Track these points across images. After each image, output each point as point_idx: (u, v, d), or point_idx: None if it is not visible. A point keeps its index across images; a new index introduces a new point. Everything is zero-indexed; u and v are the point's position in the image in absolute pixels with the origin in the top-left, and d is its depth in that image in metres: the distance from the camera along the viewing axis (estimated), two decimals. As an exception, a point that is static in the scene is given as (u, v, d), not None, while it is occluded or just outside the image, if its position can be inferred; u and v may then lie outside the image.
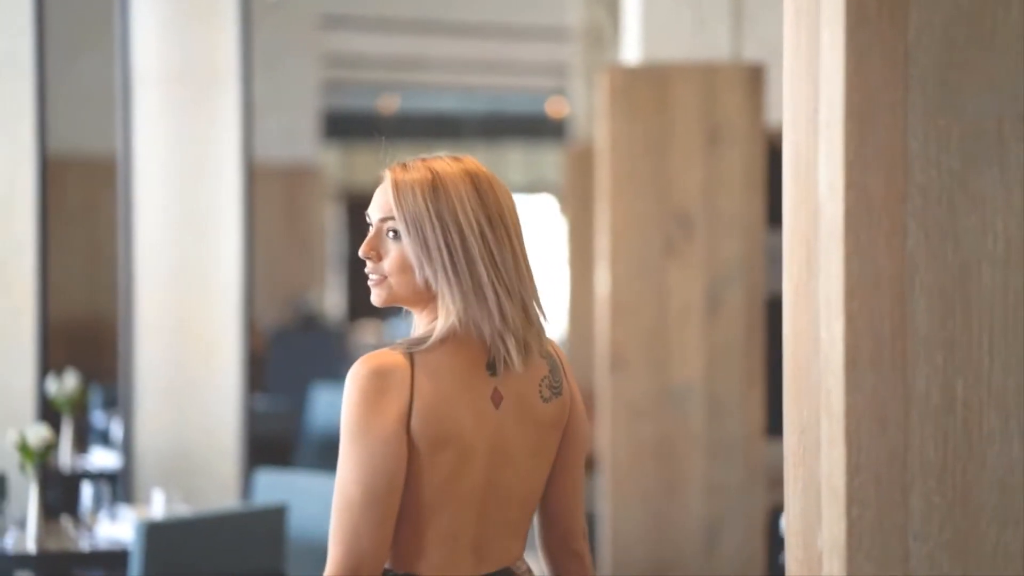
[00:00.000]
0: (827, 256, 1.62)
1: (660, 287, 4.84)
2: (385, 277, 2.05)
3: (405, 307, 2.10)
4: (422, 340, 2.02)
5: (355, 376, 1.97)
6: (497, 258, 2.03)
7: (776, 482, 5.34)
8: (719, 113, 4.82)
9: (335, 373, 9.70)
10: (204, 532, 3.85)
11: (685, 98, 4.83)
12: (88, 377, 6.79)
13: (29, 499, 4.08)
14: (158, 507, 4.26)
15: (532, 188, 14.95)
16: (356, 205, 15.69)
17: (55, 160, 9.33)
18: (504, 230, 2.06)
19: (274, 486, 4.52)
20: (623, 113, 4.86)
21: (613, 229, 4.86)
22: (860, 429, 1.57)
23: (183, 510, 4.30)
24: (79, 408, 5.54)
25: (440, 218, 2.00)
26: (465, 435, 2.01)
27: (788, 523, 1.82)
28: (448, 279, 2.00)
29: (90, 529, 4.14)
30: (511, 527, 2.09)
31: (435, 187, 2.01)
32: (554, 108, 13.30)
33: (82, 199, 8.89)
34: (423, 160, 2.06)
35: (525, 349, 2.04)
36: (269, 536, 3.99)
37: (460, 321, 2.00)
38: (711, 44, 5.03)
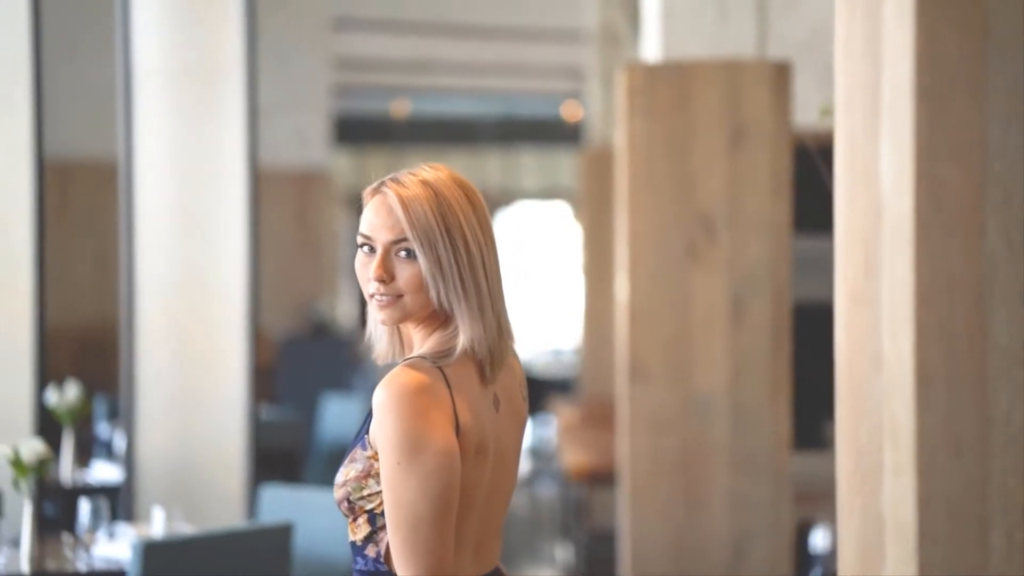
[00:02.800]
0: (892, 259, 1.43)
1: (682, 293, 4.67)
2: (400, 296, 2.05)
3: (402, 325, 2.13)
4: (446, 354, 2.05)
5: (400, 395, 1.98)
6: (491, 268, 2.08)
7: (804, 496, 5.18)
8: (743, 112, 4.64)
9: (346, 383, 9.54)
10: (205, 552, 3.66)
11: (707, 96, 4.65)
12: (95, 387, 6.63)
13: (23, 516, 3.90)
14: (158, 525, 4.07)
15: (547, 194, 14.79)
16: (368, 211, 15.46)
17: (61, 165, 9.20)
18: (491, 239, 2.10)
19: (280, 502, 4.35)
20: (643, 112, 4.68)
21: (632, 233, 4.68)
22: (932, 455, 1.37)
23: (184, 528, 4.12)
24: (81, 419, 5.38)
25: (449, 234, 2.03)
26: (488, 441, 2.08)
27: (842, 558, 1.63)
28: (458, 294, 2.04)
29: (87, 548, 3.96)
30: (498, 527, 2.16)
31: (439, 203, 2.04)
32: (569, 112, 13.15)
33: (90, 204, 8.74)
34: (411, 174, 2.08)
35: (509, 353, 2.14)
36: (274, 556, 3.81)
37: (477, 336, 2.04)
38: (735, 40, 4.85)
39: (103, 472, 5.26)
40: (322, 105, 10.66)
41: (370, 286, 2.07)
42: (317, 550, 4.26)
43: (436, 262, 2.02)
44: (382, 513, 2.04)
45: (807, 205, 5.20)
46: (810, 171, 5.09)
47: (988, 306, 1.39)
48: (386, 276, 2.05)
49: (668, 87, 4.67)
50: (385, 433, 1.97)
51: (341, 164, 13.55)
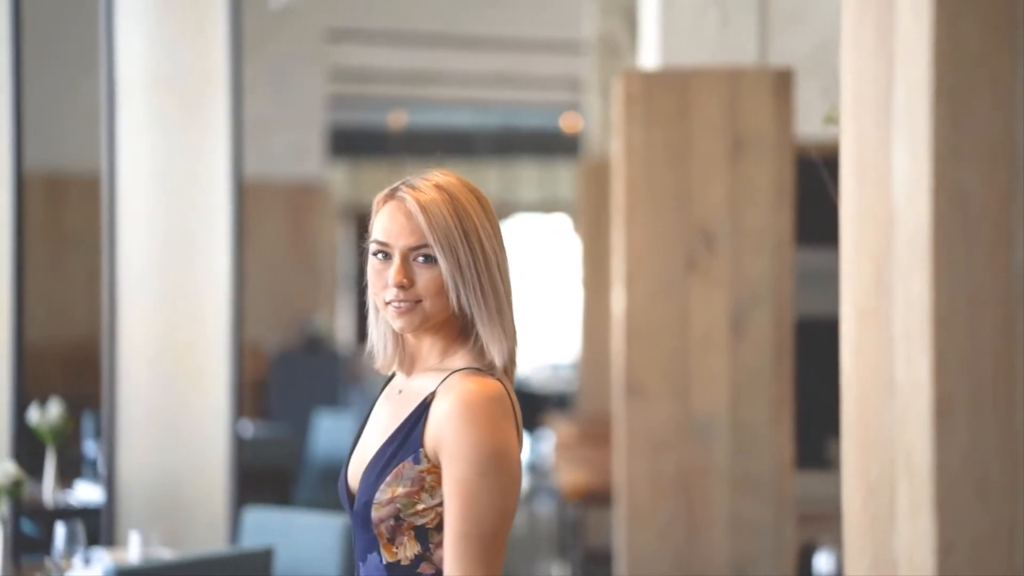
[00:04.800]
0: (906, 274, 1.28)
1: (681, 308, 4.53)
2: (419, 302, 2.03)
3: (413, 333, 2.09)
4: (491, 366, 2.04)
5: (482, 404, 1.97)
6: (505, 271, 2.08)
7: (807, 518, 5.03)
8: (744, 121, 4.51)
9: (340, 399, 9.40)
10: (182, 579, 3.51)
11: (707, 105, 4.52)
12: (85, 404, 6.50)
13: (-2, 540, 3.76)
14: (134, 550, 3.92)
15: (546, 207, 14.67)
16: (365, 224, 15.36)
17: (55, 179, 9.09)
18: (503, 242, 2.09)
19: (264, 525, 4.20)
20: (640, 121, 4.55)
21: (630, 246, 4.54)
22: (953, 494, 1.22)
23: (162, 553, 3.97)
24: (65, 438, 5.24)
25: (467, 237, 2.02)
26: None
27: (851, 604, 1.48)
28: (477, 297, 2.03)
29: (62, 574, 3.81)
30: None
31: (455, 206, 2.03)
32: (568, 123, 13.03)
33: (83, 219, 8.62)
34: (423, 179, 2.06)
35: None
36: (255, 582, 3.65)
37: (498, 343, 2.03)
38: (735, 47, 4.72)
39: (86, 492, 5.12)
40: (318, 117, 10.54)
41: (387, 293, 2.04)
42: (301, 573, 4.11)
43: (456, 265, 2.01)
44: (436, 528, 2.00)
45: (809, 217, 5.07)
46: (812, 181, 4.96)
47: (1015, 326, 1.25)
48: (406, 282, 2.02)
49: (666, 95, 4.54)
50: (465, 443, 1.94)
51: (337, 177, 13.43)
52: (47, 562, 3.95)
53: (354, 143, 13.38)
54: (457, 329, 2.07)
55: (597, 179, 8.48)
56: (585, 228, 8.84)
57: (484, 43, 11.09)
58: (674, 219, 4.54)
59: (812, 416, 5.46)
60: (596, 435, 7.16)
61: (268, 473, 6.47)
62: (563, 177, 14.29)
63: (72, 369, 8.58)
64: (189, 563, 3.60)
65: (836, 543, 4.34)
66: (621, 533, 4.64)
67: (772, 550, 4.52)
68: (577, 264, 9.27)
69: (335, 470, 7.05)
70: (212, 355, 4.89)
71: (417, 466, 2.00)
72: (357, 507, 2.05)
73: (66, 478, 5.26)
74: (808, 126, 4.83)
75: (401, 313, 2.03)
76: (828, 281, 5.92)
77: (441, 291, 2.02)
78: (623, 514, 4.58)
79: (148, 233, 4.90)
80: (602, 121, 9.09)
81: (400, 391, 2.12)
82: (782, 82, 4.53)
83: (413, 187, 2.05)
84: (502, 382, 2.02)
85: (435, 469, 1.99)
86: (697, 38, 4.79)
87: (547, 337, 14.03)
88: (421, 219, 2.02)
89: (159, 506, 4.82)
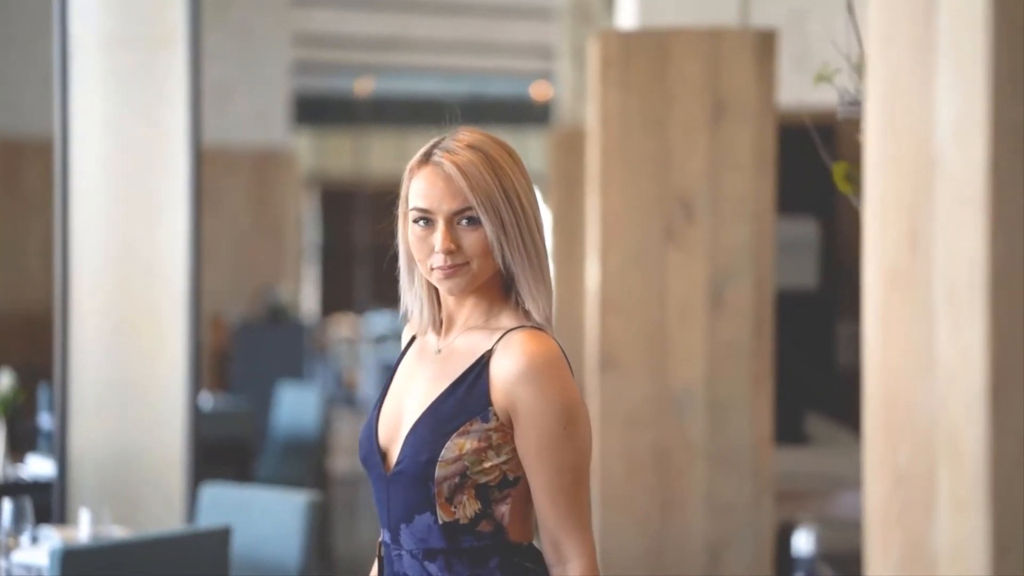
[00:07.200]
0: (951, 229, 1.11)
1: (658, 280, 4.38)
2: (467, 262, 2.05)
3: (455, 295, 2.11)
4: (541, 326, 2.07)
5: (552, 360, 2.02)
6: (542, 226, 2.10)
7: (786, 496, 4.89)
8: (725, 84, 4.35)
9: (305, 371, 9.21)
10: (132, 559, 3.32)
11: (686, 67, 4.35)
12: (41, 375, 6.29)
13: (-61, 515, 3.56)
14: (84, 529, 3.72)
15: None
16: (330, 193, 15.22)
17: (10, 143, 8.83)
18: (536, 197, 2.11)
19: (222, 502, 4.02)
20: (616, 85, 4.38)
21: (605, 215, 4.38)
22: (1011, 487, 1.05)
23: (114, 532, 3.78)
24: (17, 410, 5.07)
25: (507, 195, 2.04)
26: None
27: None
28: (521, 254, 2.06)
29: (7, 553, 3.61)
30: None
31: (492, 165, 2.04)
32: (539, 92, 12.87)
33: (39, 184, 8.40)
34: (455, 140, 2.07)
35: None
36: (210, 563, 3.47)
37: (544, 301, 2.08)
38: (716, 8, 4.54)
39: (38, 467, 4.92)
40: (282, 83, 10.31)
41: (434, 259, 2.05)
42: (261, 553, 3.93)
43: (500, 225, 2.04)
44: (497, 485, 2.04)
45: (792, 184, 4.92)
46: (791, 149, 4.81)
47: (1081, 290, 1.08)
48: (453, 246, 2.04)
49: (644, 57, 4.37)
50: (543, 401, 1.99)
51: (302, 144, 13.22)
52: (-5, 539, 3.76)
53: (319, 110, 13.16)
54: (498, 288, 2.11)
55: (569, 148, 8.38)
56: (556, 198, 8.74)
57: (453, 9, 10.90)
58: (651, 187, 4.39)
59: (790, 390, 5.33)
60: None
61: (228, 448, 6.28)
62: (533, 146, 14.15)
63: (29, 338, 8.38)
64: (141, 543, 3.42)
65: (815, 522, 4.21)
66: (594, 511, 4.48)
67: (750, 529, 4.38)
68: (548, 235, 9.13)
69: (298, 444, 6.86)
70: (170, 325, 4.68)
71: (485, 424, 2.03)
72: (408, 466, 2.05)
73: (19, 452, 5.08)
74: (792, 88, 4.67)
75: (449, 275, 2.06)
76: (804, 251, 5.75)
77: (487, 251, 2.05)
78: (596, 492, 4.43)
79: (104, 198, 4.69)
80: (574, 88, 8.95)
81: (439, 351, 2.14)
82: (765, 44, 4.36)
83: (447, 150, 2.06)
84: (554, 337, 2.08)
85: (502, 427, 2.03)
86: (676, -2, 4.62)
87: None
88: (461, 182, 2.04)
89: (113, 482, 4.62)
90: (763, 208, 4.36)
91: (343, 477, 8.66)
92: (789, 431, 5.40)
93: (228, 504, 3.99)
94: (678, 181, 4.37)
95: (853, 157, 2.99)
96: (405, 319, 2.21)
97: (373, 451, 2.12)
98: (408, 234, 2.09)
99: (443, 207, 2.04)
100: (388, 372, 2.24)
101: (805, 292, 6.04)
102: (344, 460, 9.12)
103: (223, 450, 6.20)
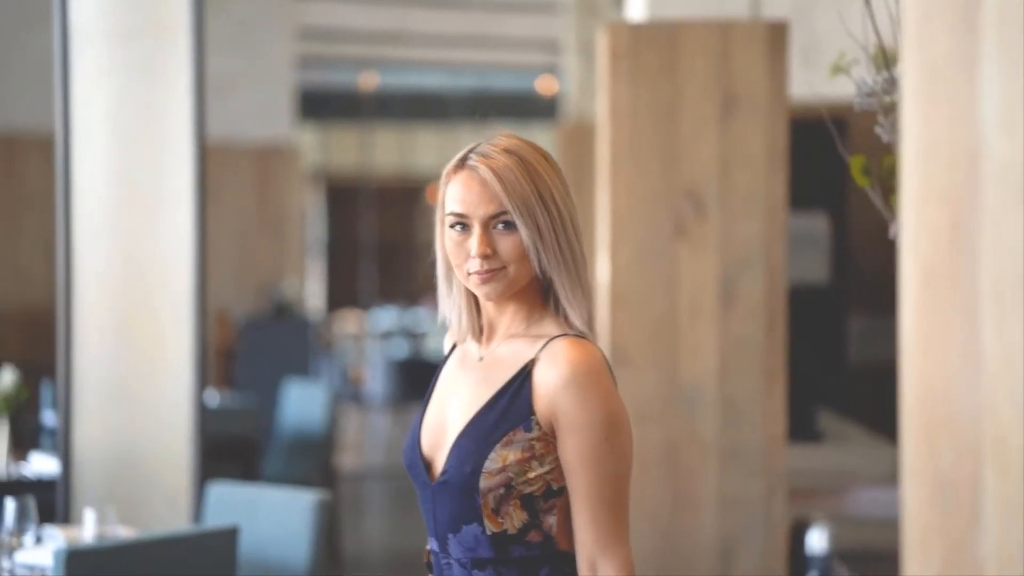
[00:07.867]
0: (998, 219, 1.06)
1: (668, 275, 4.33)
2: (504, 267, 2.05)
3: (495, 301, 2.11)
4: (583, 334, 2.06)
5: (596, 369, 2.01)
6: (579, 230, 2.08)
7: (798, 493, 4.84)
8: (736, 78, 4.30)
9: (311, 368, 9.16)
10: (138, 560, 3.28)
11: (697, 60, 4.30)
12: (44, 372, 6.25)
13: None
14: (88, 529, 3.68)
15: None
16: (335, 188, 15.16)
17: (10, 138, 8.79)
18: (573, 201, 2.09)
19: (229, 501, 3.97)
20: (626, 78, 4.33)
21: (614, 210, 4.33)
22: (1065, 495, 1.00)
23: (119, 531, 3.73)
24: (20, 407, 5.02)
25: (543, 200, 2.03)
26: None
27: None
28: (558, 259, 2.05)
29: (10, 553, 3.56)
30: None
31: (527, 170, 2.04)
32: (544, 86, 12.81)
33: (40, 180, 8.36)
34: (490, 145, 2.08)
35: None
36: (217, 563, 3.43)
37: (581, 308, 2.06)
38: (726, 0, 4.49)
39: (41, 464, 4.87)
40: (286, 77, 10.26)
41: (471, 264, 2.05)
42: (268, 554, 3.88)
43: (536, 229, 2.03)
44: (543, 496, 2.02)
45: (804, 179, 4.87)
46: (803, 143, 4.75)
47: None
48: (489, 251, 2.04)
49: (654, 50, 4.32)
50: (586, 411, 1.98)
51: (307, 139, 13.16)
52: (-2, 538, 3.71)
53: (324, 105, 13.11)
54: (538, 294, 2.10)
55: (575, 143, 8.34)
56: (562, 193, 8.65)
57: (458, 3, 10.86)
58: (661, 181, 4.34)
59: (802, 386, 5.27)
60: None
61: (234, 446, 6.23)
62: (539, 141, 14.03)
63: (31, 335, 8.32)
64: (147, 543, 3.38)
65: (829, 519, 4.16)
66: (604, 509, 4.43)
67: (762, 527, 4.33)
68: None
69: (304, 442, 6.82)
70: (175, 322, 4.64)
71: (528, 434, 2.02)
72: (453, 476, 2.04)
73: (23, 449, 5.03)
74: (803, 82, 4.62)
75: (486, 280, 2.05)
76: (817, 245, 5.68)
77: (524, 256, 2.05)
78: (606, 489, 4.37)
79: (106, 194, 4.64)
80: (580, 82, 8.90)
81: (481, 359, 2.13)
82: (776, 36, 4.31)
83: (483, 155, 2.06)
84: (596, 345, 2.07)
85: (545, 437, 2.02)
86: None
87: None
88: (497, 186, 2.03)
89: (118, 481, 4.57)
90: (775, 202, 4.31)
91: (350, 474, 8.62)
92: (801, 427, 5.35)
93: (235, 503, 3.95)
94: (688, 176, 4.32)
95: (867, 150, 2.94)
96: (445, 325, 2.20)
97: (417, 460, 2.12)
98: (445, 240, 2.09)
99: (479, 211, 2.05)
100: (430, 381, 2.23)
101: (816, 287, 5.99)
102: (351, 457, 9.09)
103: (229, 448, 6.16)
